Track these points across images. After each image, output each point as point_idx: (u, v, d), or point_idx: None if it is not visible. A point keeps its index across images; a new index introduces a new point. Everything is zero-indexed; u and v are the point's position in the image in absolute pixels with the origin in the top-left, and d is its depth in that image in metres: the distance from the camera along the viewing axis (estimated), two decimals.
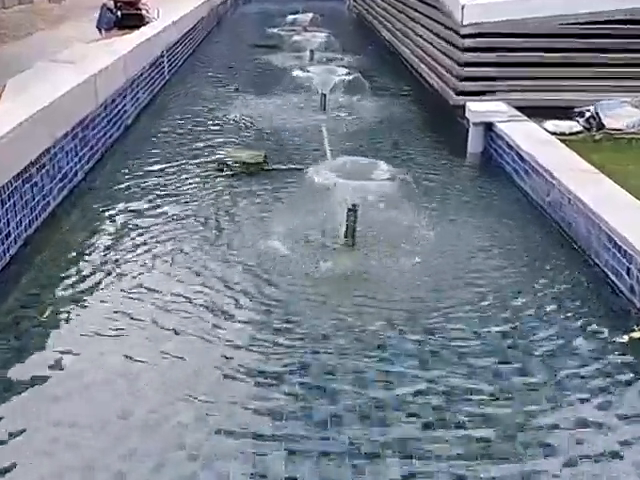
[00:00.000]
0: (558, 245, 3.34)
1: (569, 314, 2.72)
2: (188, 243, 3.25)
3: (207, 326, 2.58)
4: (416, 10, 7.05)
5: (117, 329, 2.54)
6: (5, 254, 2.99)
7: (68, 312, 2.65)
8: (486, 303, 2.79)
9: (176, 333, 2.54)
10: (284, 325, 2.60)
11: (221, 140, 5.02)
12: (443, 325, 2.63)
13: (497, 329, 2.62)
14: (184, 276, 2.93)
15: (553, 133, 4.54)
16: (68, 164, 3.84)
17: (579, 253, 3.21)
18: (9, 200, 3.05)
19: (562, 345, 2.51)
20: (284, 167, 4.41)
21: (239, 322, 2.62)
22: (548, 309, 2.76)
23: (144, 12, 9.56)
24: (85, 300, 2.73)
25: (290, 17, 10.38)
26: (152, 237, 3.31)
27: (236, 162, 4.39)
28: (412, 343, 2.52)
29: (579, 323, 2.66)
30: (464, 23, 5.20)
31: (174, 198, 3.85)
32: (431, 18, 6.31)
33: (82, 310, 2.67)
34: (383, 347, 2.49)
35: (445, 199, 3.95)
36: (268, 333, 2.55)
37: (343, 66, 6.68)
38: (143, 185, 4.03)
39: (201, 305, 2.72)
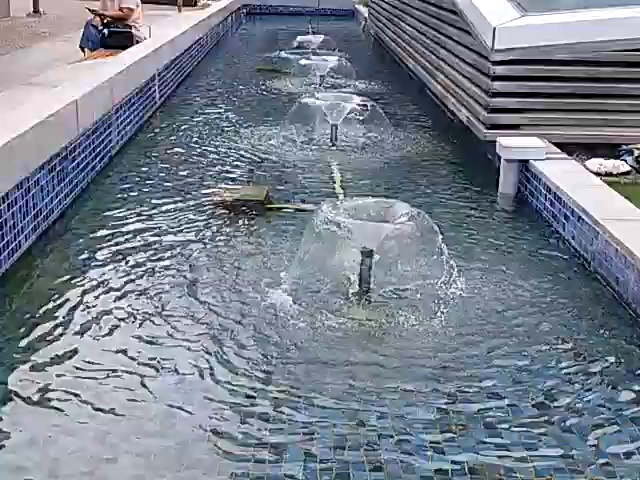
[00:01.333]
0: (603, 302, 3.31)
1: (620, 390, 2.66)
2: (176, 300, 3.20)
3: (195, 397, 2.54)
4: (440, 32, 7.15)
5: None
6: None
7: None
8: (523, 374, 2.75)
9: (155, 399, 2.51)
10: (285, 395, 2.57)
11: (217, 175, 5.04)
12: (475, 398, 2.59)
13: (534, 401, 2.58)
14: (167, 339, 2.89)
15: (597, 174, 4.55)
16: (43, 200, 3.85)
17: (627, 312, 3.18)
18: None
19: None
20: (289, 206, 4.42)
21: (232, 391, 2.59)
22: (590, 379, 2.72)
23: (134, 30, 9.73)
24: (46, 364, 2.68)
25: (298, 38, 10.54)
26: (135, 291, 3.27)
27: (234, 200, 4.41)
28: (433, 412, 2.48)
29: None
30: (495, 48, 5.26)
31: (163, 243, 3.84)
32: (458, 42, 6.39)
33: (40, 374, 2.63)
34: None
35: (473, 247, 3.94)
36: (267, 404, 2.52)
37: (357, 94, 6.74)
38: (127, 227, 4.03)
39: (190, 367, 2.69)
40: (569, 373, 2.76)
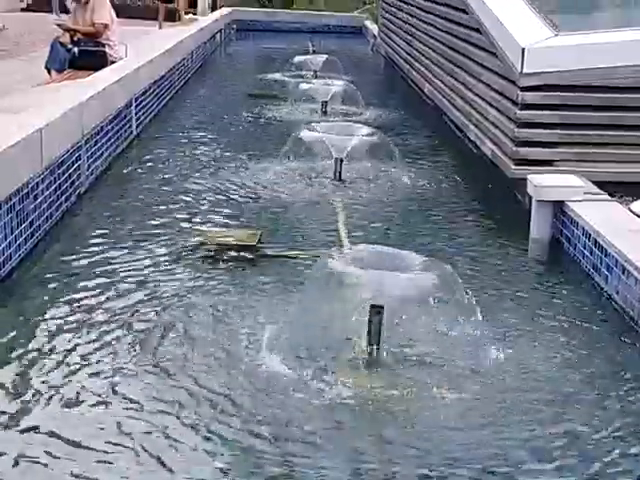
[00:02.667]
0: None
1: None
2: (149, 368, 3.15)
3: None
4: (461, 53, 7.22)
5: None
6: None
7: None
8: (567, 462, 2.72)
9: None
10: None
11: (202, 216, 5.05)
12: None
13: None
14: (138, 413, 2.85)
15: None
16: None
17: None
18: None
19: None
20: (285, 253, 4.42)
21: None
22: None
23: (108, 49, 9.84)
24: None
25: (297, 59, 10.64)
26: (104, 357, 3.23)
27: (222, 245, 4.41)
28: None
29: None
30: (524, 72, 5.30)
31: (137, 296, 3.82)
32: (481, 64, 6.45)
33: None
34: None
35: (500, 303, 3.92)
36: None
37: (365, 123, 6.78)
38: (95, 277, 4.01)
39: (166, 448, 2.65)
40: (616, 456, 2.72)
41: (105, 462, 2.53)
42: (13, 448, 2.56)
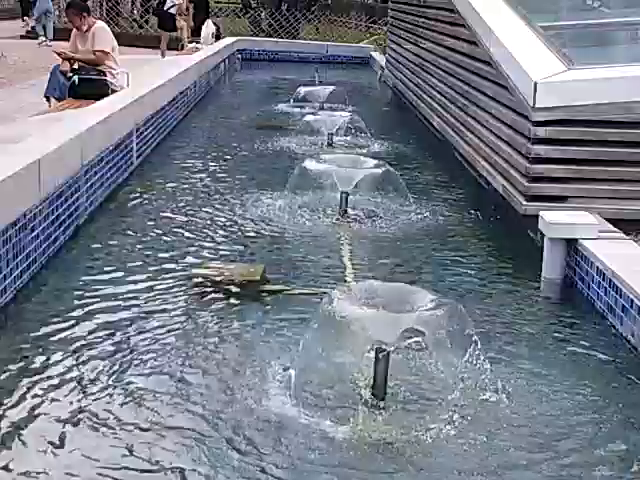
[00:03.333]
0: None
1: None
2: (152, 407, 3.16)
3: None
4: (471, 86, 7.25)
5: None
6: None
7: None
8: None
9: None
10: None
11: (203, 251, 5.05)
12: None
13: None
14: (144, 455, 2.84)
15: None
16: None
17: None
18: None
19: None
20: (289, 289, 4.41)
21: None
22: None
23: (109, 77, 9.91)
24: None
25: (303, 90, 10.70)
26: (98, 402, 3.21)
27: (224, 280, 4.41)
28: None
29: None
30: (537, 106, 5.32)
31: (135, 333, 3.81)
32: (493, 98, 6.48)
33: None
34: None
35: (511, 344, 3.90)
36: None
37: (372, 156, 6.80)
38: (92, 314, 4.00)
39: None
40: None
41: None
42: None
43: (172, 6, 21.84)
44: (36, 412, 3.05)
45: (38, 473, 2.68)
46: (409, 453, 2.92)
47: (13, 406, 3.09)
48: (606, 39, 6.66)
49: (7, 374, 3.34)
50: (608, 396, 3.42)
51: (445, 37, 8.75)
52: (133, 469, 2.75)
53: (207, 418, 3.08)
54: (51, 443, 2.85)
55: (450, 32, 8.45)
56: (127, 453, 2.83)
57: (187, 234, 5.37)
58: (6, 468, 2.70)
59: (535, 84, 5.33)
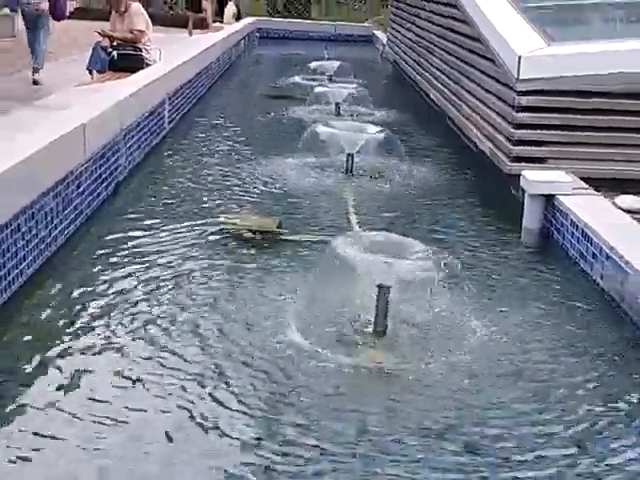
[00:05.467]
0: (633, 346, 3.29)
1: None
2: (181, 332, 3.23)
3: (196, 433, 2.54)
4: (463, 60, 7.21)
5: None
6: None
7: None
8: (546, 416, 2.75)
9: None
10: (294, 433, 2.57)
11: (226, 203, 5.07)
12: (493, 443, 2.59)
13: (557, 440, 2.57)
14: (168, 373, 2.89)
15: (627, 211, 4.54)
16: (47, 227, 3.88)
17: None
18: None
19: None
20: (302, 237, 4.44)
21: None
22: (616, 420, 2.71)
23: (144, 53, 9.86)
24: None
25: (313, 64, 10.62)
26: (136, 314, 3.31)
27: (246, 229, 4.44)
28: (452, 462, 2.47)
29: None
30: (520, 78, 5.30)
31: (168, 270, 3.87)
32: (481, 70, 6.44)
33: None
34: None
35: (495, 285, 3.94)
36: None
37: (374, 123, 6.78)
38: (128, 257, 4.05)
39: (196, 400, 2.69)
40: (596, 415, 2.76)
41: None
42: None
43: None
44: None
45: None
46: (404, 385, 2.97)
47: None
48: (582, 18, 6.60)
49: (59, 304, 3.40)
50: (577, 327, 3.47)
51: (440, 17, 8.68)
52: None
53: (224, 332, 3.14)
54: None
55: (444, 12, 8.38)
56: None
57: (212, 189, 5.38)
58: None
59: (519, 58, 5.30)
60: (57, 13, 12.11)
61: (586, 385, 3.00)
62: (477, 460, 2.48)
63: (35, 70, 11.78)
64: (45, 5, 11.86)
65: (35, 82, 11.61)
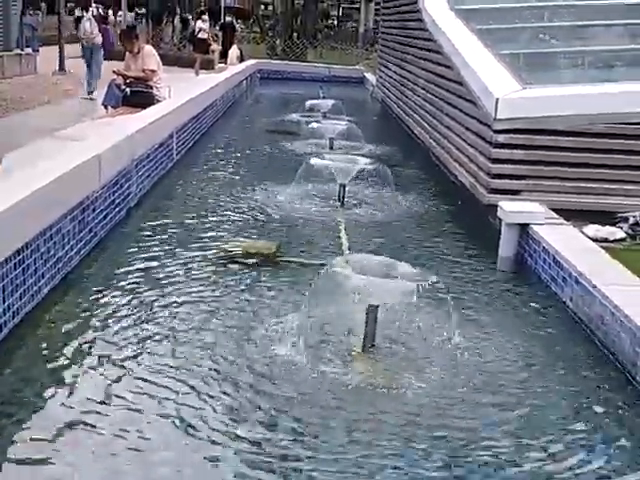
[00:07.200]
0: (599, 363, 3.29)
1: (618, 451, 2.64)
2: (183, 343, 3.23)
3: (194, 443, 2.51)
4: (444, 100, 7.25)
5: None
6: None
7: None
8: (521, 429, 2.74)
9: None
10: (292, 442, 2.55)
11: (228, 228, 5.07)
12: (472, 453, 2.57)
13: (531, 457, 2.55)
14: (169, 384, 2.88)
15: (594, 239, 4.56)
16: (64, 248, 3.87)
17: (622, 374, 3.16)
18: None
19: None
20: (298, 260, 4.44)
21: None
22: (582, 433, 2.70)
23: (154, 90, 9.89)
24: None
25: (309, 102, 10.66)
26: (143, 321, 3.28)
27: (246, 253, 4.43)
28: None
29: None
30: (497, 117, 5.32)
31: (173, 287, 3.87)
32: (462, 110, 6.47)
33: None
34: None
35: (473, 305, 3.94)
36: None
37: (364, 155, 6.79)
38: (138, 272, 4.05)
39: (192, 414, 2.67)
40: (566, 427, 2.75)
41: None
42: None
43: (199, 31, 21.93)
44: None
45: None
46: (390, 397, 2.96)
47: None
48: (554, 64, 6.65)
49: (74, 318, 3.39)
50: (549, 345, 3.47)
51: (424, 61, 8.73)
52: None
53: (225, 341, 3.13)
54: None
55: (428, 57, 8.43)
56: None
57: (215, 215, 5.39)
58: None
59: (497, 100, 5.33)
60: (107, 44, 14.72)
61: (549, 391, 3.02)
62: None
63: (90, 92, 14.07)
64: (99, 39, 14.67)
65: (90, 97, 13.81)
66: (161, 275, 4.07)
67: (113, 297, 3.70)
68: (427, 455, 2.54)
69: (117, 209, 4.94)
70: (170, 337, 3.28)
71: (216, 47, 21.54)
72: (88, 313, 3.49)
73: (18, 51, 18.03)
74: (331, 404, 2.82)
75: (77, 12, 27.90)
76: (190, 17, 29.71)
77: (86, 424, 2.55)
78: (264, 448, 2.50)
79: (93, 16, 16.16)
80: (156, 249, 4.51)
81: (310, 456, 2.48)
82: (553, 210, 4.93)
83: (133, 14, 33.01)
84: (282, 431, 2.60)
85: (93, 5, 17.87)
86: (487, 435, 2.67)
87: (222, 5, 32.12)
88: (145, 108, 7.95)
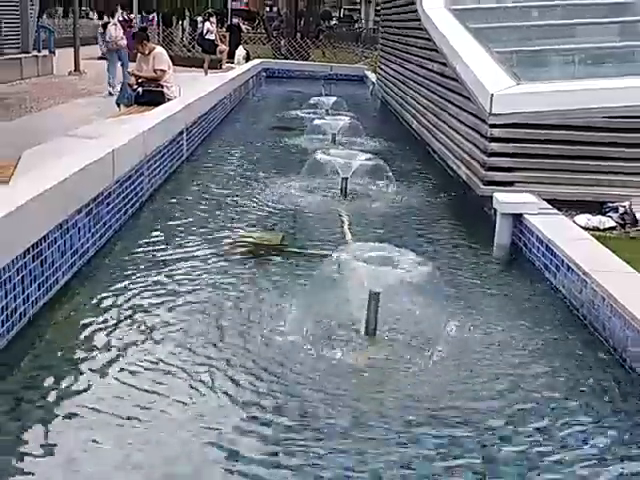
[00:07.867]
0: (590, 346, 3.29)
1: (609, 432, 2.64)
2: (190, 330, 3.22)
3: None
4: (441, 97, 7.23)
5: None
6: None
7: None
8: (511, 405, 2.74)
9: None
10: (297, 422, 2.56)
11: (236, 220, 5.06)
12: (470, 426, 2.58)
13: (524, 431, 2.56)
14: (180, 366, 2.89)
15: (585, 228, 4.55)
16: (80, 240, 3.88)
17: (613, 356, 3.16)
18: (17, 275, 3.07)
19: None
20: (303, 251, 4.44)
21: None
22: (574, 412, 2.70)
23: (165, 90, 9.88)
24: None
25: (313, 99, 10.64)
26: (149, 312, 3.29)
27: (253, 243, 4.43)
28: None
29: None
30: (492, 112, 5.31)
31: (183, 276, 3.88)
32: (458, 106, 6.46)
33: None
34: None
35: (469, 292, 3.94)
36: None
37: (365, 151, 6.78)
38: (151, 262, 4.06)
39: (199, 395, 2.68)
40: (556, 408, 2.75)
41: None
42: None
43: (207, 32, 21.90)
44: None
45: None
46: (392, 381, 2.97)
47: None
48: (547, 61, 6.63)
49: (90, 307, 3.40)
50: (542, 330, 3.46)
51: (422, 59, 8.70)
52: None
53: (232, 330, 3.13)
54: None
55: (426, 55, 8.40)
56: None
57: (223, 208, 5.37)
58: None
59: (492, 95, 5.32)
60: (131, 47, 14.28)
61: (543, 374, 3.02)
62: None
63: (112, 89, 14.08)
64: (124, 42, 14.71)
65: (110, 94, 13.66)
66: (174, 264, 4.08)
67: (127, 287, 3.71)
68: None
69: (130, 203, 4.94)
70: (187, 320, 3.30)
71: (224, 48, 21.48)
72: (104, 302, 3.50)
73: (35, 53, 18.01)
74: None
75: (105, 18, 28.00)
76: (199, 19, 29.65)
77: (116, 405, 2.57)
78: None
79: (119, 21, 16.13)
80: (168, 241, 4.52)
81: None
82: (546, 200, 4.92)
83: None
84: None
85: (119, 11, 17.91)
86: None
87: (229, 7, 32.06)
88: (156, 106, 7.96)
